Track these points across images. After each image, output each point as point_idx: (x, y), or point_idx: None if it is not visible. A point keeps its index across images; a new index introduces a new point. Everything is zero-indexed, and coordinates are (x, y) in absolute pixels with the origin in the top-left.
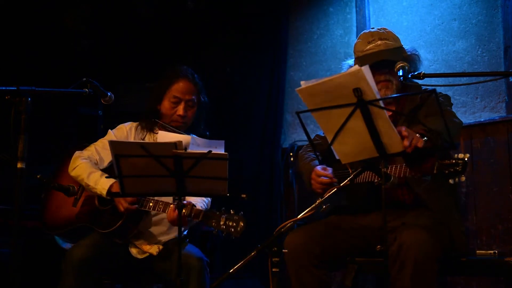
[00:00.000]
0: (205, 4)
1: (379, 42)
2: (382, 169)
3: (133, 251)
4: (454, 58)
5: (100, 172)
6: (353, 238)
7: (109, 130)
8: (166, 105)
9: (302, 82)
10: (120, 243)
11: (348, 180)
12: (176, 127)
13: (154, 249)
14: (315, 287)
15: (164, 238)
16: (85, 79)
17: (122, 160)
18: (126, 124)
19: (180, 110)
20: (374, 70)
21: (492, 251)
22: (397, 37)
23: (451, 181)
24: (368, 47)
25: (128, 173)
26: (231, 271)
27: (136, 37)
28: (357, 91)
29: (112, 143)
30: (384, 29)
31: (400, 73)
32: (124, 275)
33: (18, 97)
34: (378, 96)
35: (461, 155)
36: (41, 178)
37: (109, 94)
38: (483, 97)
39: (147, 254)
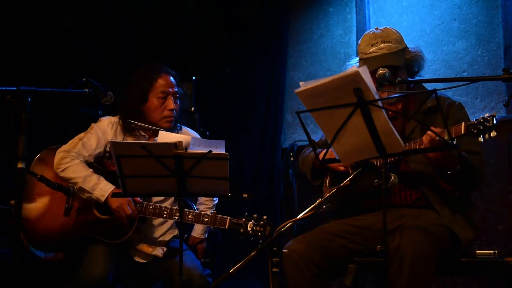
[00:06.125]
0: (205, 4)
1: (382, 45)
2: (382, 169)
3: (137, 257)
4: (454, 58)
5: (96, 176)
6: (353, 243)
7: (92, 124)
8: (154, 102)
9: (301, 83)
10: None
11: (348, 180)
12: (166, 127)
13: (158, 251)
14: None
15: (167, 238)
16: (85, 79)
17: (124, 160)
18: (104, 118)
19: (171, 104)
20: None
21: (492, 251)
22: (400, 37)
23: (480, 139)
24: (371, 49)
25: (130, 173)
26: (231, 271)
27: (136, 37)
28: (358, 91)
29: (113, 144)
30: (387, 29)
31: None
32: (125, 276)
33: (18, 97)
34: (376, 96)
35: (487, 114)
36: (41, 178)
37: (109, 94)
38: (483, 97)
39: (150, 258)
